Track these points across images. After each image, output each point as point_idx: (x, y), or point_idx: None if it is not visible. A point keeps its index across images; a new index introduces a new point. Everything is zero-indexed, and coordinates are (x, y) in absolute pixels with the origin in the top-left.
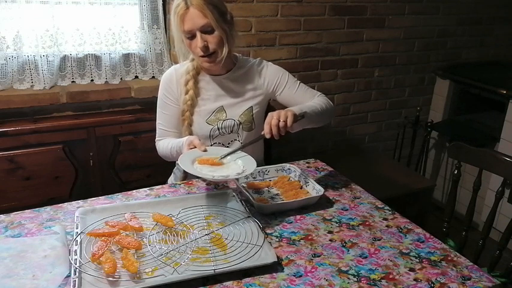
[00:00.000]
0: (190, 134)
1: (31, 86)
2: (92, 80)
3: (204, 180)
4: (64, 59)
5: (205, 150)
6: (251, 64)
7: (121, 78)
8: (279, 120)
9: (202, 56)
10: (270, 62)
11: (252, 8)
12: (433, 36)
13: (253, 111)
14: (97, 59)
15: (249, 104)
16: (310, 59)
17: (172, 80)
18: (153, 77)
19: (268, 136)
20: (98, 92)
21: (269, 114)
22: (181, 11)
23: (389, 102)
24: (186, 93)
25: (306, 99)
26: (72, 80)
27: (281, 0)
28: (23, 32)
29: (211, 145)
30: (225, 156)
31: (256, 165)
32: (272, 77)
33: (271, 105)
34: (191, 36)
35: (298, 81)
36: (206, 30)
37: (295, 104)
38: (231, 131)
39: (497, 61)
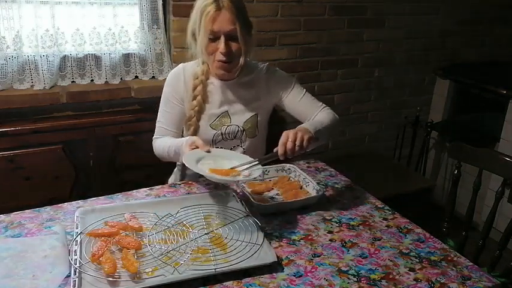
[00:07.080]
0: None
1: (31, 86)
2: (92, 80)
3: (209, 181)
4: (64, 59)
5: (208, 151)
6: (259, 70)
7: (121, 78)
8: (295, 143)
9: (220, 61)
10: (278, 68)
11: (252, 8)
12: (433, 36)
13: (258, 118)
14: (97, 59)
15: (254, 111)
16: (310, 59)
17: (180, 79)
18: (153, 77)
19: (282, 158)
20: (98, 92)
21: (284, 133)
22: (212, 11)
23: (390, 102)
24: (194, 98)
25: (309, 110)
26: (72, 80)
27: (281, 0)
28: (23, 32)
29: None
30: (239, 167)
31: (261, 170)
32: (278, 84)
33: (276, 110)
34: (214, 38)
35: (305, 90)
36: (231, 36)
37: (298, 112)
38: (235, 137)
39: (497, 61)
